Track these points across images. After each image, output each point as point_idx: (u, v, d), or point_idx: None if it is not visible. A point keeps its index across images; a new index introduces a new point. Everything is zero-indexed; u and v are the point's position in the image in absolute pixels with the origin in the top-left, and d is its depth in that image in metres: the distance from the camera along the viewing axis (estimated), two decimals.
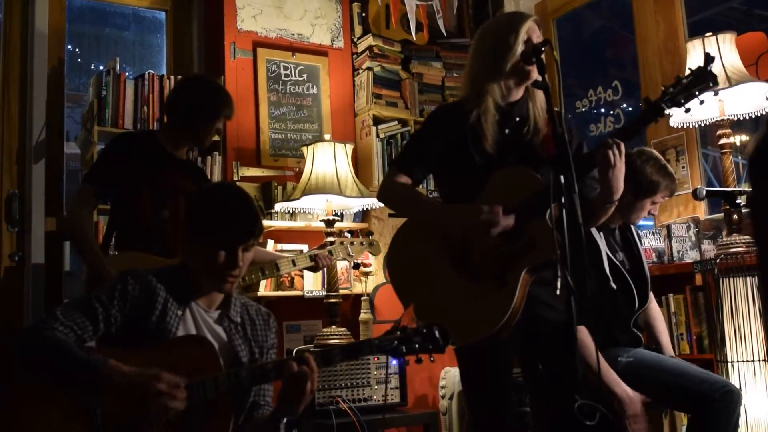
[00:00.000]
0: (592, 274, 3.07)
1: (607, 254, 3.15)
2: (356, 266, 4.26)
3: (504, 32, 2.56)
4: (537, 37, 2.56)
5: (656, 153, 3.39)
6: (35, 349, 2.07)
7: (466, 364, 2.65)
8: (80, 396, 2.04)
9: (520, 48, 2.52)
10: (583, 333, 2.91)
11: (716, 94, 2.49)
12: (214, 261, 2.21)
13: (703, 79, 2.38)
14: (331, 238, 4.05)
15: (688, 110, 2.46)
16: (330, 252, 3.78)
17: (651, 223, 4.49)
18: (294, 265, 3.63)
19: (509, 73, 2.55)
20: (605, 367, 2.96)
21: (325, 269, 4.18)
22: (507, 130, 2.57)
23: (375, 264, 4.64)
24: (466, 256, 2.48)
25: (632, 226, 3.39)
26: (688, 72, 2.43)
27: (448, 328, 2.30)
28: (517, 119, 2.59)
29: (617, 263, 3.17)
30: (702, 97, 2.43)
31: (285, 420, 2.20)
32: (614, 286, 3.10)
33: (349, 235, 3.94)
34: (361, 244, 3.92)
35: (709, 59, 2.39)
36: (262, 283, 4.26)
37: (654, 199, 3.31)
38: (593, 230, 3.08)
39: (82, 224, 3.25)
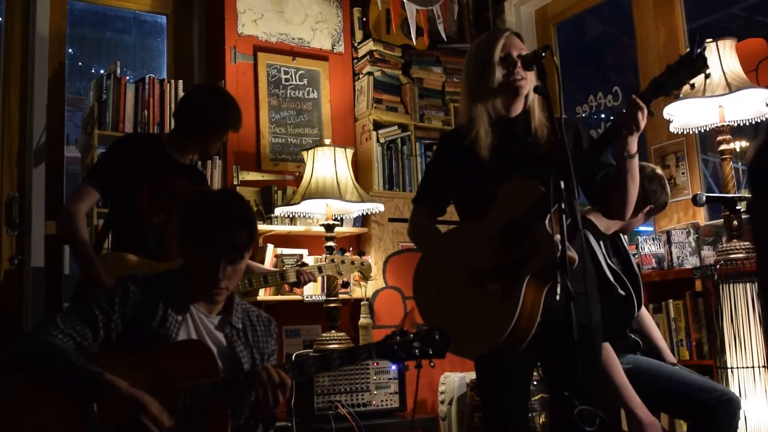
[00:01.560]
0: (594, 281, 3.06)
1: (606, 261, 3.13)
2: (345, 285, 4.25)
3: (481, 55, 2.59)
4: (517, 49, 2.56)
5: (658, 170, 3.38)
6: (34, 355, 2.07)
7: (484, 374, 2.65)
8: (78, 399, 2.04)
9: (498, 70, 2.53)
10: (609, 351, 2.92)
11: (707, 76, 2.40)
12: (202, 272, 2.22)
13: (692, 64, 2.30)
14: (329, 243, 4.05)
15: (677, 96, 2.42)
16: (320, 269, 3.77)
17: (651, 228, 4.49)
18: (282, 279, 3.61)
19: (496, 92, 2.56)
20: (628, 388, 2.93)
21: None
22: (514, 146, 2.57)
23: (375, 269, 4.63)
24: (477, 271, 2.47)
25: (619, 233, 3.39)
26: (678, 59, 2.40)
27: (462, 341, 2.29)
28: (521, 132, 2.59)
29: (617, 270, 3.16)
30: (693, 81, 2.36)
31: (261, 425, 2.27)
32: (623, 292, 3.09)
33: (340, 254, 3.94)
34: (352, 263, 3.90)
35: (699, 42, 2.30)
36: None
37: (656, 213, 3.38)
38: (590, 238, 3.07)
39: (77, 221, 3.22)
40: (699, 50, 2.28)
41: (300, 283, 3.67)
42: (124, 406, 2.02)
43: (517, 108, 2.61)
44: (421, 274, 2.69)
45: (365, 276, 4.07)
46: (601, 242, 3.15)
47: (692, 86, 2.45)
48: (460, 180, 2.64)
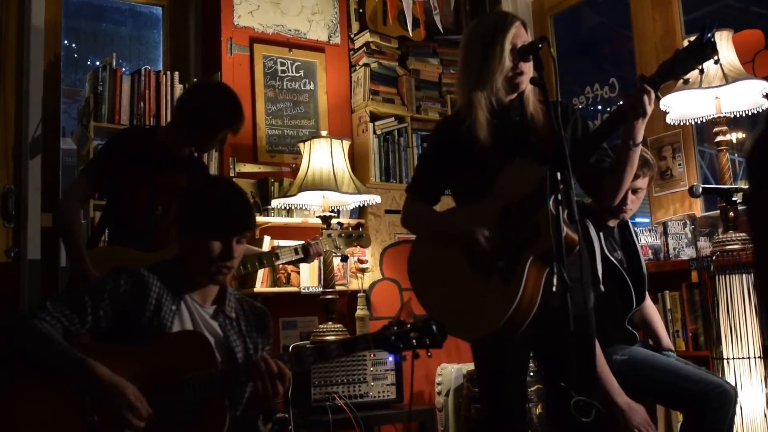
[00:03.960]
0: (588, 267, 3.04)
1: (603, 253, 3.12)
2: (344, 258, 4.20)
3: (490, 43, 2.52)
4: (523, 41, 2.52)
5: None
6: (21, 337, 2.06)
7: (481, 359, 2.65)
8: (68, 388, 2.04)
9: (508, 61, 2.49)
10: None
11: (717, 62, 2.37)
12: (208, 253, 2.21)
13: (701, 50, 2.28)
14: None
15: (686, 81, 2.40)
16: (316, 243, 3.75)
17: (647, 220, 4.49)
18: (278, 258, 3.57)
19: (500, 81, 2.54)
20: (608, 376, 2.93)
21: (322, 265, 4.18)
22: (510, 131, 2.57)
23: (372, 261, 4.63)
24: (477, 251, 2.48)
25: (630, 224, 3.36)
26: (686, 44, 2.37)
27: (460, 324, 2.29)
28: (516, 118, 2.59)
29: (615, 262, 3.15)
30: (704, 66, 2.34)
31: (261, 416, 2.26)
32: (602, 288, 3.04)
33: (338, 227, 3.91)
34: (350, 236, 3.86)
35: (709, 27, 2.27)
36: (259, 279, 4.26)
37: (634, 184, 3.15)
38: (591, 229, 3.06)
39: (70, 216, 3.20)
40: (709, 35, 2.27)
41: (308, 257, 3.64)
42: (102, 393, 2.01)
43: (512, 95, 2.60)
44: (418, 255, 2.69)
45: (363, 246, 4.03)
46: (601, 234, 3.14)
47: (686, 81, 2.43)
48: (457, 167, 2.63)
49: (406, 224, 2.82)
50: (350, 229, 3.92)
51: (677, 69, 2.33)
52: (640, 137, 2.42)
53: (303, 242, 3.66)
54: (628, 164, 2.47)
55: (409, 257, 2.72)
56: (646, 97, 2.32)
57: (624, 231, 3.34)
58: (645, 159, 3.19)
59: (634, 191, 3.20)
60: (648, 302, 3.45)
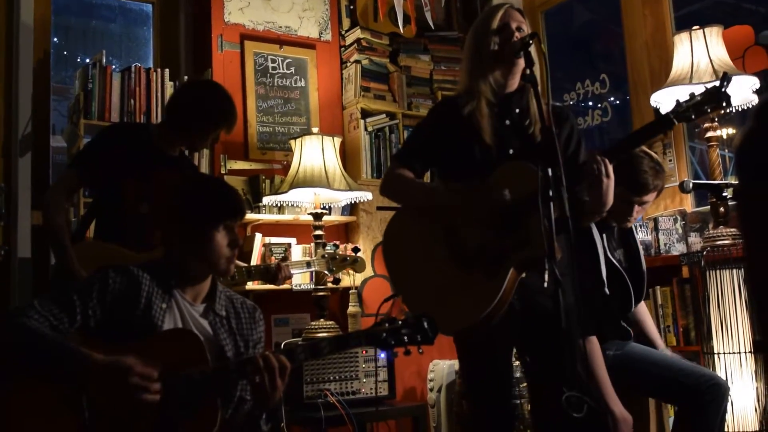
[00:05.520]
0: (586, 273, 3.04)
1: (606, 255, 3.12)
2: (336, 281, 4.17)
3: (480, 26, 2.64)
4: (515, 21, 2.60)
5: (645, 149, 3.31)
6: (11, 335, 2.05)
7: (465, 355, 2.67)
8: (61, 383, 2.03)
9: (493, 40, 2.57)
10: (594, 345, 2.93)
11: (729, 112, 2.47)
12: (217, 244, 2.22)
13: (717, 99, 2.37)
14: (318, 232, 4.04)
15: (697, 126, 2.47)
16: (308, 264, 3.72)
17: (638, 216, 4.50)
18: (249, 275, 3.50)
19: (494, 63, 2.58)
20: (607, 383, 2.94)
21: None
22: (508, 122, 2.59)
23: (363, 257, 4.63)
24: (461, 245, 2.49)
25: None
26: (703, 90, 2.43)
27: (436, 316, 2.31)
28: (518, 110, 2.60)
29: (615, 263, 3.15)
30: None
31: (265, 415, 2.25)
32: (608, 291, 3.06)
33: (333, 249, 3.88)
34: (344, 260, 3.84)
35: (726, 79, 2.37)
36: None
37: (642, 199, 3.19)
38: (593, 230, 3.06)
39: (54, 209, 3.16)
40: (726, 86, 2.34)
41: (278, 280, 3.51)
42: (106, 374, 2.00)
43: (513, 85, 2.62)
44: (394, 236, 2.70)
45: (357, 271, 4.03)
46: (604, 235, 3.13)
47: (697, 126, 2.51)
48: (451, 148, 2.64)
49: (387, 189, 2.78)
50: (346, 253, 3.90)
51: (690, 112, 2.39)
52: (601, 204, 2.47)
53: (275, 263, 3.58)
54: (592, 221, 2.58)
55: (385, 242, 2.73)
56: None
57: (624, 230, 3.33)
58: (656, 171, 3.18)
59: (642, 204, 3.21)
60: (640, 304, 3.45)
